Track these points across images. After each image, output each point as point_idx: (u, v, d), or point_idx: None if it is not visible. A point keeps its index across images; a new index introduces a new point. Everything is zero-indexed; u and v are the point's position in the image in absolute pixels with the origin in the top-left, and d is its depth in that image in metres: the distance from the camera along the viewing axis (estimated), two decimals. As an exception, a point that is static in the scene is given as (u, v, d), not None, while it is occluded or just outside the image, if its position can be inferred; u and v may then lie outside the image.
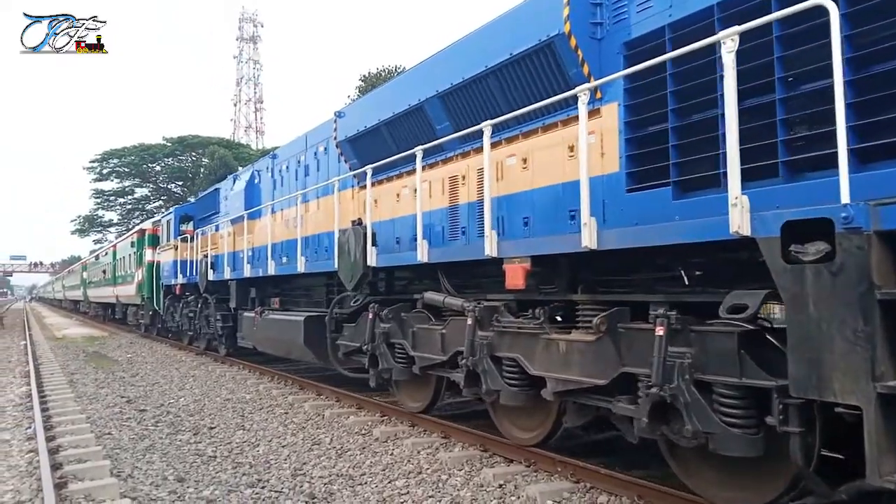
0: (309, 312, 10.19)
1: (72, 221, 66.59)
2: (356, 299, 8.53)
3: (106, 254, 34.28)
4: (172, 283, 18.48)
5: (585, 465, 5.54)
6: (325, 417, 8.61)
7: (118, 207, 63.69)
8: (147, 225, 24.38)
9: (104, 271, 33.18)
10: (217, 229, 15.26)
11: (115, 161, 59.72)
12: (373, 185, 8.07)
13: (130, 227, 52.06)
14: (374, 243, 7.72)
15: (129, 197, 62.80)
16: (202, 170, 54.19)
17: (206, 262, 14.89)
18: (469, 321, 6.12)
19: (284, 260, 11.03)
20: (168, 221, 19.98)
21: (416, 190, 7.09)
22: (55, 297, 75.41)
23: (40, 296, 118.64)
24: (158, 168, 60.81)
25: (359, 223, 8.03)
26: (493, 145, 6.01)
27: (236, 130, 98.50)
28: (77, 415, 8.74)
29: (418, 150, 6.83)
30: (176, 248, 18.24)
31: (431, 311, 7.28)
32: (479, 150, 6.22)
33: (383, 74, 38.35)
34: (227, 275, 13.70)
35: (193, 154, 58.80)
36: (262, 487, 5.78)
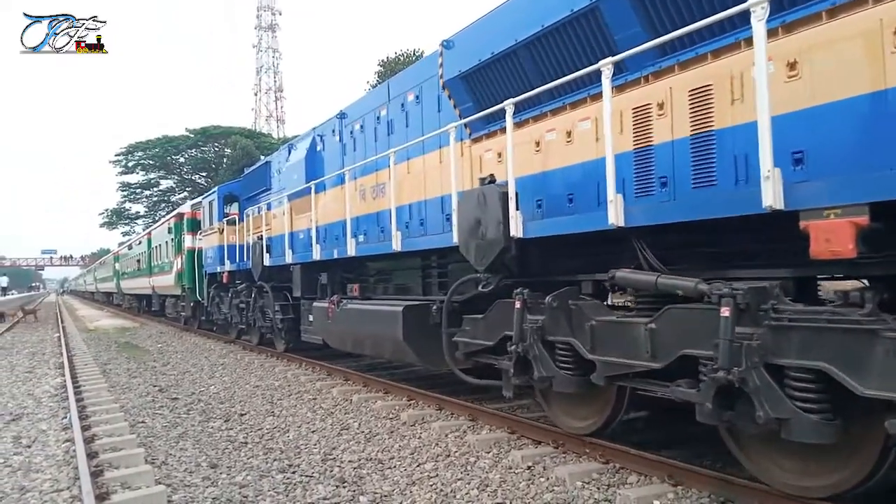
0: (408, 301, 8.30)
1: (100, 215, 67.90)
2: (487, 283, 6.45)
3: (140, 242, 32.71)
4: (218, 270, 16.73)
5: (615, 446, 5.52)
6: (353, 402, 8.68)
7: (144, 200, 64.79)
8: (185, 208, 22.43)
9: (138, 261, 31.64)
10: (270, 208, 13.47)
11: (140, 154, 60.61)
12: (497, 133, 6.44)
13: (157, 218, 52.80)
14: (517, 207, 5.79)
15: (155, 189, 63.79)
16: (225, 160, 54.71)
17: (261, 246, 13.09)
18: (725, 311, 4.01)
19: (361, 238, 9.36)
20: (210, 203, 17.97)
21: (570, 132, 5.62)
22: (87, 290, 76.47)
23: (72, 289, 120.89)
24: (182, 159, 61.57)
25: (491, 181, 6.15)
26: (713, 54, 4.46)
27: (257, 120, 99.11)
28: (111, 404, 8.90)
29: (605, 65, 4.76)
30: (221, 232, 16.41)
31: (599, 298, 5.72)
32: (690, 63, 4.65)
33: (402, 59, 38.24)
34: (289, 259, 11.77)
35: (216, 144, 59.39)
36: (293, 472, 5.86)
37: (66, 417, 8.17)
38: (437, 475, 5.52)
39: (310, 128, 11.97)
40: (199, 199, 22.15)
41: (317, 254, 10.43)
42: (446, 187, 7.14)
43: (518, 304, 5.93)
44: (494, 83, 6.64)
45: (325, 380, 10.60)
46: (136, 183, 63.21)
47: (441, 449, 6.28)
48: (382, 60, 40.50)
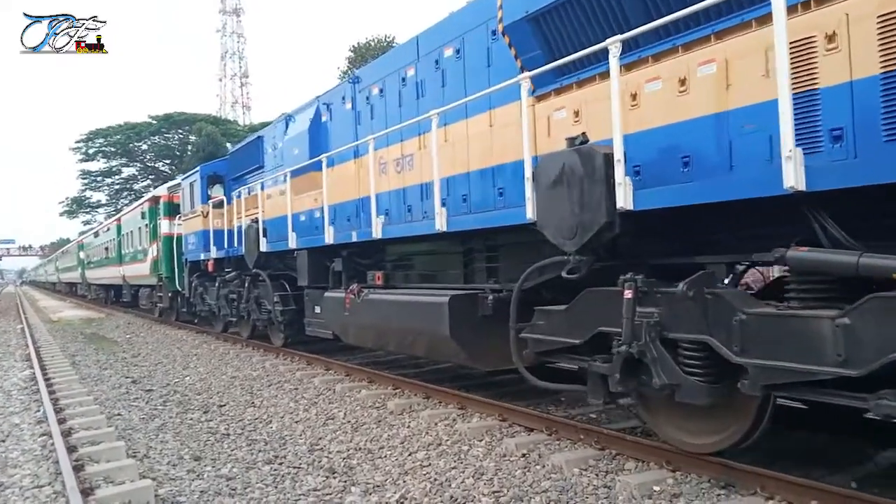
0: (454, 290, 7.04)
1: (59, 203, 66.24)
2: (576, 268, 5.17)
3: (108, 229, 30.90)
4: (202, 258, 15.36)
5: (610, 432, 5.51)
6: (337, 392, 8.56)
7: (106, 188, 63.32)
8: (161, 191, 20.85)
9: (107, 248, 29.73)
10: (264, 187, 12.03)
11: (101, 140, 59.16)
12: (572, 87, 5.53)
13: (119, 207, 51.63)
14: (626, 173, 4.65)
15: (117, 177, 62.42)
16: (189, 147, 53.69)
17: (256, 230, 11.75)
18: None
19: (382, 219, 8.05)
20: (192, 184, 16.36)
21: (684, 80, 4.60)
22: (48, 280, 74.42)
23: (31, 279, 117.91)
24: (145, 147, 60.30)
25: (583, 141, 5.01)
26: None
27: (223, 106, 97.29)
28: (84, 396, 8.66)
29: None
30: (205, 216, 15.04)
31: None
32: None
33: (373, 45, 37.86)
34: (292, 243, 10.43)
35: (180, 131, 58.25)
36: (280, 464, 5.76)
37: (39, 410, 7.91)
38: (429, 464, 5.45)
39: (312, 97, 10.88)
40: (176, 180, 20.54)
41: (329, 237, 9.13)
42: (500, 155, 6.28)
43: (628, 294, 4.68)
44: (576, 24, 5.51)
45: (305, 369, 10.44)
46: (97, 171, 61.81)
47: (432, 438, 6.20)
48: (353, 46, 40.07)
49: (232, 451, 6.24)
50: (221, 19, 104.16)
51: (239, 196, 13.23)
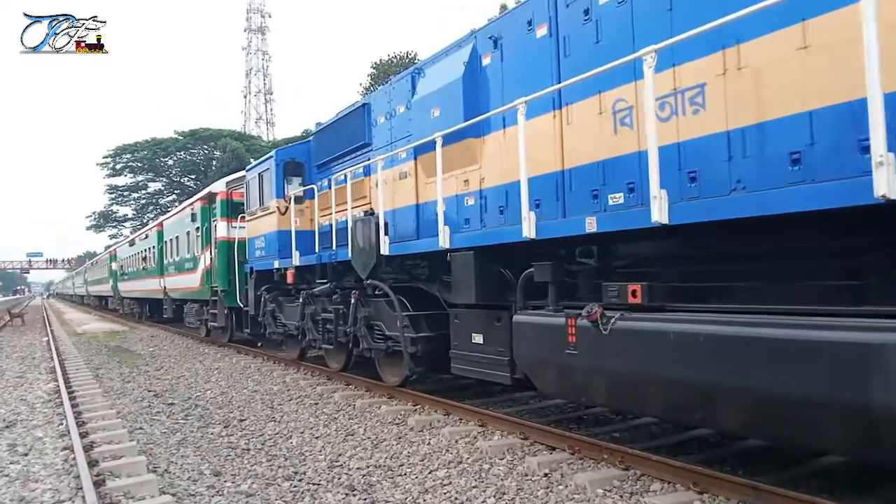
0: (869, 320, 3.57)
1: (87, 217, 67.37)
2: None
3: (146, 237, 27.41)
4: (276, 266, 11.99)
5: (634, 451, 5.38)
6: (357, 408, 8.50)
7: (132, 202, 64.39)
8: (218, 186, 17.18)
9: (145, 259, 26.15)
10: (369, 172, 9.15)
11: (128, 156, 60.27)
12: None
13: (145, 221, 52.28)
14: None
15: (143, 192, 63.41)
16: (214, 162, 54.40)
17: (374, 225, 8.50)
18: None
19: (664, 193, 4.49)
20: (261, 175, 12.72)
21: None
22: (75, 293, 74.85)
23: (58, 292, 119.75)
24: (171, 162, 61.24)
25: None
26: None
27: (247, 122, 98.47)
28: (107, 410, 8.68)
29: None
30: (283, 213, 11.80)
31: None
32: None
33: (395, 62, 38.15)
34: (444, 241, 7.09)
35: (205, 147, 59.06)
36: (300, 480, 5.72)
37: (62, 423, 7.95)
38: (450, 483, 5.38)
39: (466, 33, 7.71)
40: (238, 173, 16.95)
41: (529, 229, 5.79)
42: None
43: None
44: None
45: (325, 384, 10.39)
46: (123, 185, 62.84)
47: (452, 455, 6.12)
48: (375, 63, 40.44)
49: (252, 466, 6.22)
50: (247, 37, 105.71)
51: (347, 180, 9.36)
